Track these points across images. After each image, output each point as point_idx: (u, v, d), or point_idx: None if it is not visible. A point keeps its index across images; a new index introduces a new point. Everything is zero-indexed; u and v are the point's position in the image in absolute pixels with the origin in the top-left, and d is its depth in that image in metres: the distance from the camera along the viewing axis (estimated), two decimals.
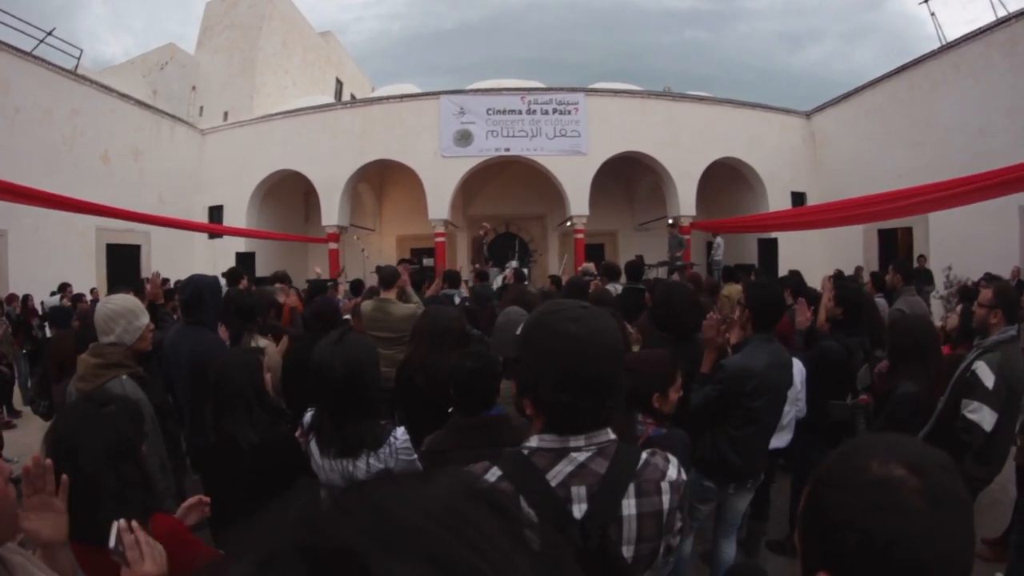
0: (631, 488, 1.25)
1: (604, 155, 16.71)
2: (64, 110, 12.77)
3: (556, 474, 1.24)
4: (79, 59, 14.57)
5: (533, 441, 1.29)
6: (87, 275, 12.52)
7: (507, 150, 16.68)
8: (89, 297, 10.31)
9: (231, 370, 2.38)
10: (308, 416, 2.32)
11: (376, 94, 22.51)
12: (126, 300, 2.83)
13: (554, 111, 16.75)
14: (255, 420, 2.31)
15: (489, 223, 14.58)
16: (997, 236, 10.91)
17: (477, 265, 12.87)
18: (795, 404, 3.55)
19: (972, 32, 12.15)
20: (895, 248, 14.56)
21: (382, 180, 21.23)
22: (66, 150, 12.65)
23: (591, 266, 8.96)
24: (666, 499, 1.27)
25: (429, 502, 0.38)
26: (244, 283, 6.74)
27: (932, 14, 14.09)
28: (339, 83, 28.31)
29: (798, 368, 3.49)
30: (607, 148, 16.75)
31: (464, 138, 16.60)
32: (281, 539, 0.35)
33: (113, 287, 12.25)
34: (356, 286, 8.20)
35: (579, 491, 1.23)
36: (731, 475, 2.94)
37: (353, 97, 26.88)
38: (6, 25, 12.60)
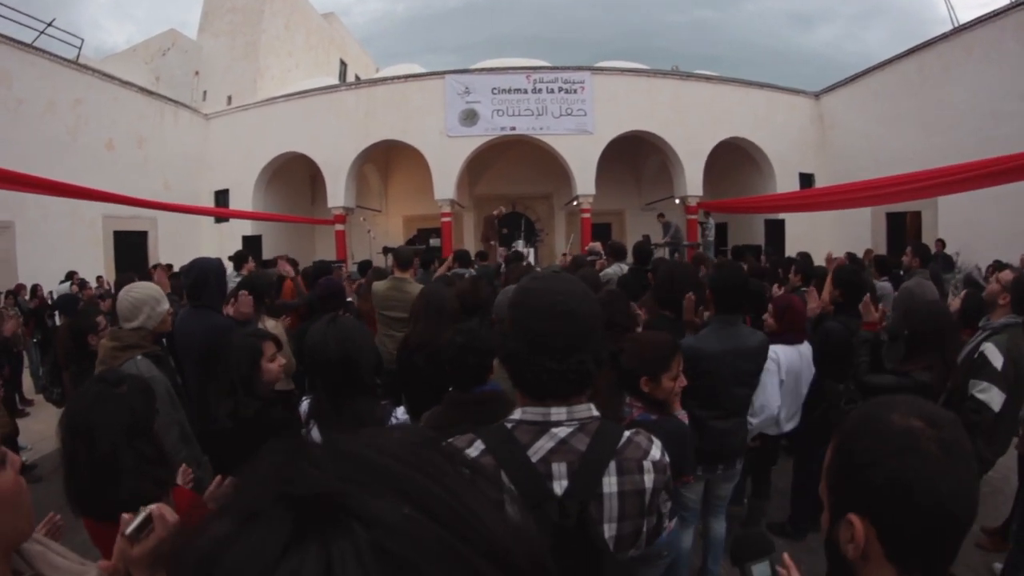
0: (612, 466, 1.25)
1: (611, 134, 16.60)
2: (67, 100, 12.77)
3: (537, 449, 1.25)
4: (80, 49, 14.58)
5: (516, 414, 1.31)
6: (95, 263, 12.63)
7: (513, 129, 16.59)
8: (94, 285, 10.38)
9: (229, 353, 2.42)
10: (304, 404, 2.32)
11: (380, 75, 22.38)
12: (148, 287, 2.95)
13: (560, 90, 16.61)
14: (239, 403, 2.33)
15: (503, 205, 14.56)
16: (1006, 222, 10.80)
17: (493, 242, 12.96)
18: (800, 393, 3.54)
19: (985, 15, 11.94)
20: (903, 232, 14.46)
21: (388, 161, 21.20)
22: (70, 140, 12.67)
23: (598, 245, 8.94)
24: (648, 478, 1.28)
25: (391, 446, 0.42)
26: (250, 266, 6.77)
27: None
28: (343, 64, 28.22)
29: (779, 357, 3.45)
30: (614, 127, 16.63)
31: (470, 117, 16.51)
32: (262, 492, 0.37)
33: (121, 274, 12.46)
34: (364, 267, 8.21)
35: (559, 467, 1.24)
36: (701, 458, 2.92)
37: (357, 78, 26.71)
38: (6, 18, 12.60)
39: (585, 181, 16.54)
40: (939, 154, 10.74)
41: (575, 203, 17.37)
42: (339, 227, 17.30)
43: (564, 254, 11.81)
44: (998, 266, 8.58)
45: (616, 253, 6.79)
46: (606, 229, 19.63)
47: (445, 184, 16.60)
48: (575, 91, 16.60)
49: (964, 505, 0.87)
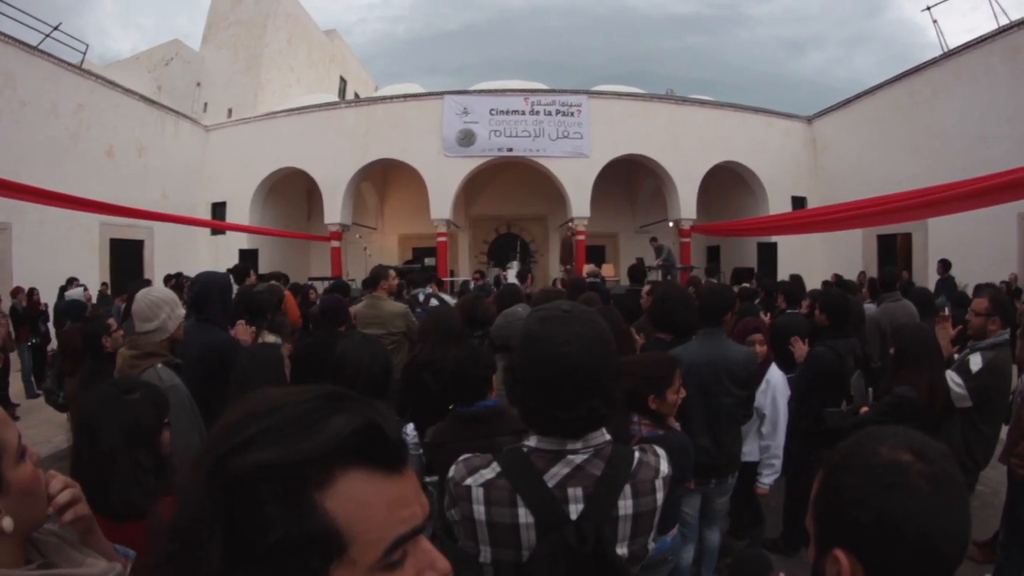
0: (627, 489, 1.28)
1: (606, 157, 16.76)
2: (70, 105, 12.79)
3: (553, 475, 1.26)
4: (84, 54, 14.60)
5: (532, 440, 1.31)
6: (91, 270, 12.58)
7: (510, 150, 16.72)
8: (96, 292, 10.37)
9: (257, 366, 2.46)
10: None
11: (380, 93, 22.55)
12: (165, 291, 3.00)
13: (557, 112, 16.77)
14: None
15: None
16: (996, 242, 10.95)
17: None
18: (763, 410, 3.52)
19: (973, 40, 12.19)
20: (894, 253, 14.59)
21: (385, 179, 21.29)
22: (71, 145, 12.66)
23: (594, 267, 9.06)
24: (660, 496, 1.32)
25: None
26: (252, 279, 6.82)
27: (935, 21, 14.12)
28: (343, 82, 28.33)
29: (777, 379, 3.54)
30: (609, 150, 16.80)
31: (467, 138, 16.63)
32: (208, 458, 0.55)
33: (117, 282, 12.38)
34: (342, 287, 7.65)
35: (575, 492, 1.26)
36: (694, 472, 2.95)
37: (357, 96, 26.88)
38: (12, 19, 12.64)
39: (580, 203, 16.66)
40: (929, 177, 10.92)
41: (570, 225, 17.51)
42: (335, 244, 17.32)
43: (566, 267, 11.85)
44: (978, 289, 8.54)
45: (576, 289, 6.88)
46: (600, 251, 19.74)
47: (441, 204, 16.68)
48: (572, 114, 16.76)
49: (954, 543, 0.84)
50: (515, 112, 16.71)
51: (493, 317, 4.14)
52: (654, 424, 2.48)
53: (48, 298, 10.13)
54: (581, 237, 16.84)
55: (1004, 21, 11.74)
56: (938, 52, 13.37)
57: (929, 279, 11.76)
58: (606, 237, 20.89)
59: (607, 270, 13.49)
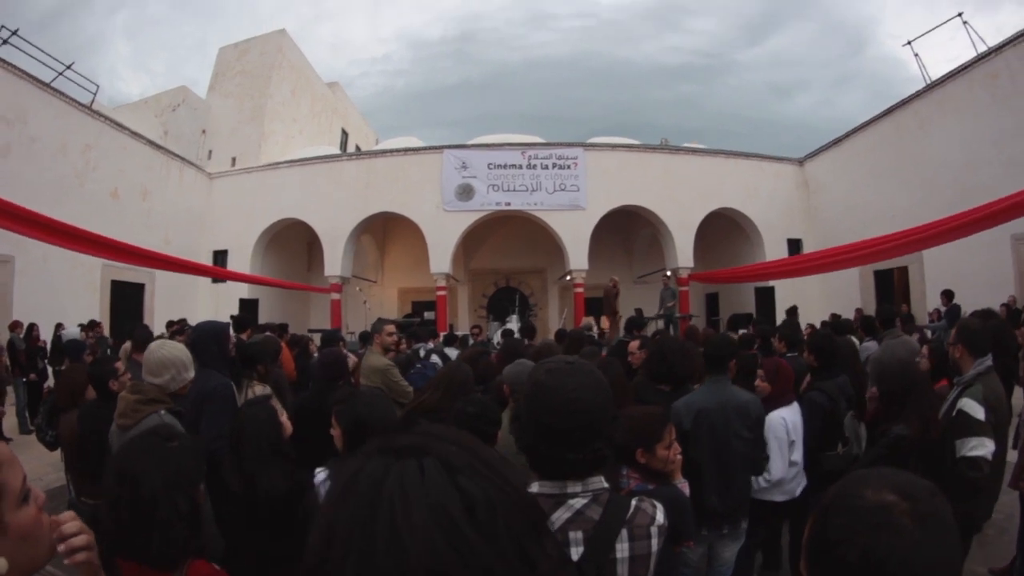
0: (623, 533, 1.36)
1: (603, 209, 16.96)
2: (78, 144, 12.90)
3: (556, 519, 1.34)
4: (95, 95, 14.78)
5: (534, 487, 1.39)
6: (90, 310, 12.50)
7: (508, 204, 16.93)
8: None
9: (255, 418, 2.49)
10: (322, 475, 2.37)
11: (380, 147, 22.92)
12: (179, 351, 3.00)
13: (554, 166, 17.03)
14: (282, 468, 2.40)
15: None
16: (992, 267, 10.96)
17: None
18: (782, 456, 3.54)
19: (954, 70, 12.43)
20: (892, 288, 14.62)
21: (385, 232, 21.50)
22: (77, 184, 12.74)
23: (591, 320, 9.09)
24: (655, 542, 1.41)
25: (453, 432, 0.73)
26: (248, 334, 6.81)
27: (916, 55, 14.50)
28: (345, 134, 28.78)
29: (787, 421, 3.54)
30: (606, 202, 17.01)
31: (466, 192, 16.85)
32: (370, 448, 0.68)
33: (116, 324, 12.48)
34: (330, 337, 7.60)
35: (576, 535, 1.34)
36: (705, 518, 2.98)
37: (358, 149, 27.36)
38: (28, 55, 12.80)
39: (578, 256, 16.78)
40: (921, 208, 11.07)
41: (568, 278, 17.58)
42: (335, 296, 17.35)
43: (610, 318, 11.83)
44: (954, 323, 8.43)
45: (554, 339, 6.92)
46: (599, 303, 19.80)
47: (441, 258, 16.79)
48: (568, 167, 17.01)
49: None
50: (513, 166, 16.97)
51: (495, 372, 4.18)
52: (644, 478, 2.48)
53: (46, 334, 10.13)
54: (579, 289, 16.93)
55: (982, 48, 12.05)
56: (921, 85, 13.63)
57: (929, 309, 11.81)
58: (604, 288, 20.89)
59: (605, 322, 13.51)
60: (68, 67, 13.76)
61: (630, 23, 79.44)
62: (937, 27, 13.98)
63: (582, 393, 1.37)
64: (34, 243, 10.55)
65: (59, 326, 10.45)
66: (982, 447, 3.01)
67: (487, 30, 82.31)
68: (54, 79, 13.04)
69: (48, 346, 10.12)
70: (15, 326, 9.65)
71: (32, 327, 9.80)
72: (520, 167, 16.99)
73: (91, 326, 10.33)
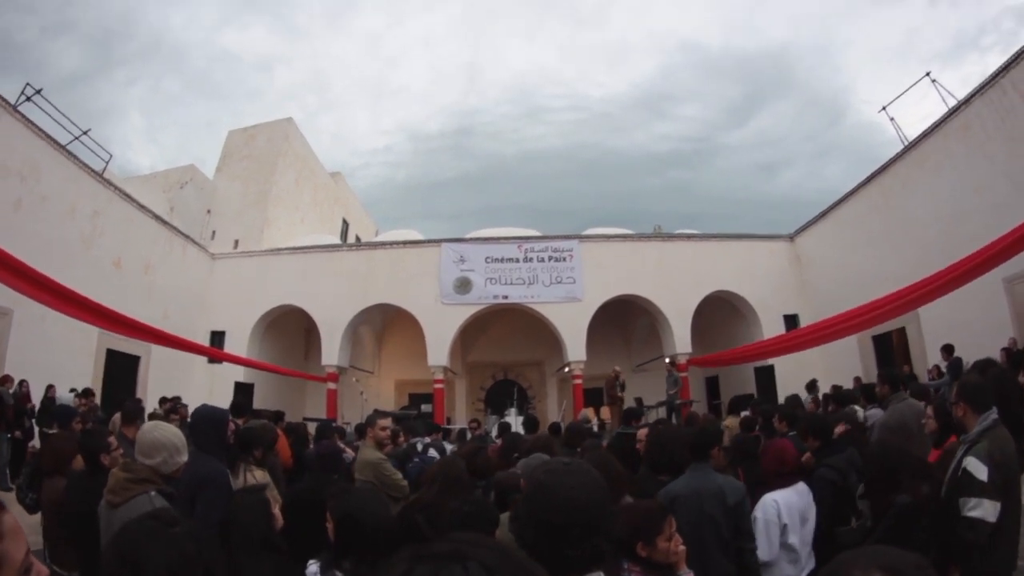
0: None
1: (599, 300, 17.08)
2: (87, 209, 12.97)
3: None
4: (107, 163, 14.99)
5: None
6: (83, 375, 12.24)
7: (505, 298, 17.08)
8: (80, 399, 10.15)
9: (249, 507, 2.46)
10: (314, 568, 2.32)
11: (380, 238, 23.33)
12: (172, 433, 2.96)
13: (550, 258, 17.31)
14: (272, 561, 2.37)
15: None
16: (988, 313, 10.81)
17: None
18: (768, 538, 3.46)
19: (929, 128, 12.70)
20: (891, 351, 14.41)
21: (383, 323, 21.52)
22: (83, 249, 12.72)
23: (590, 412, 9.03)
24: None
25: (489, 540, 0.85)
26: (244, 420, 6.74)
27: (892, 119, 14.81)
28: (345, 224, 29.28)
29: (779, 504, 3.49)
30: (602, 293, 17.15)
31: (464, 285, 17.04)
32: (408, 557, 0.77)
33: (108, 394, 12.26)
34: (323, 428, 7.24)
35: None
36: None
37: (358, 239, 27.84)
38: (47, 115, 13.01)
39: (575, 348, 16.77)
40: (913, 267, 11.02)
41: (566, 369, 17.51)
42: (331, 386, 17.17)
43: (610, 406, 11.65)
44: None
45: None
46: (598, 394, 19.64)
47: (438, 350, 16.76)
48: (564, 259, 17.29)
49: None
50: (509, 260, 17.27)
51: (494, 468, 4.17)
52: (646, 572, 2.45)
53: (37, 391, 10.01)
54: (578, 381, 16.81)
55: (952, 102, 12.33)
56: (900, 147, 13.90)
57: (928, 366, 11.66)
58: (603, 379, 20.72)
59: (605, 412, 13.38)
60: (85, 132, 14.00)
61: (621, 114, 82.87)
62: (908, 90, 14.37)
63: (579, 492, 1.44)
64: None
65: (50, 387, 10.31)
66: (980, 507, 2.97)
67: (484, 124, 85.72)
68: (70, 142, 13.22)
69: (37, 406, 9.93)
70: (6, 380, 9.50)
71: (23, 383, 9.69)
72: (517, 260, 17.28)
73: (86, 394, 10.20)
